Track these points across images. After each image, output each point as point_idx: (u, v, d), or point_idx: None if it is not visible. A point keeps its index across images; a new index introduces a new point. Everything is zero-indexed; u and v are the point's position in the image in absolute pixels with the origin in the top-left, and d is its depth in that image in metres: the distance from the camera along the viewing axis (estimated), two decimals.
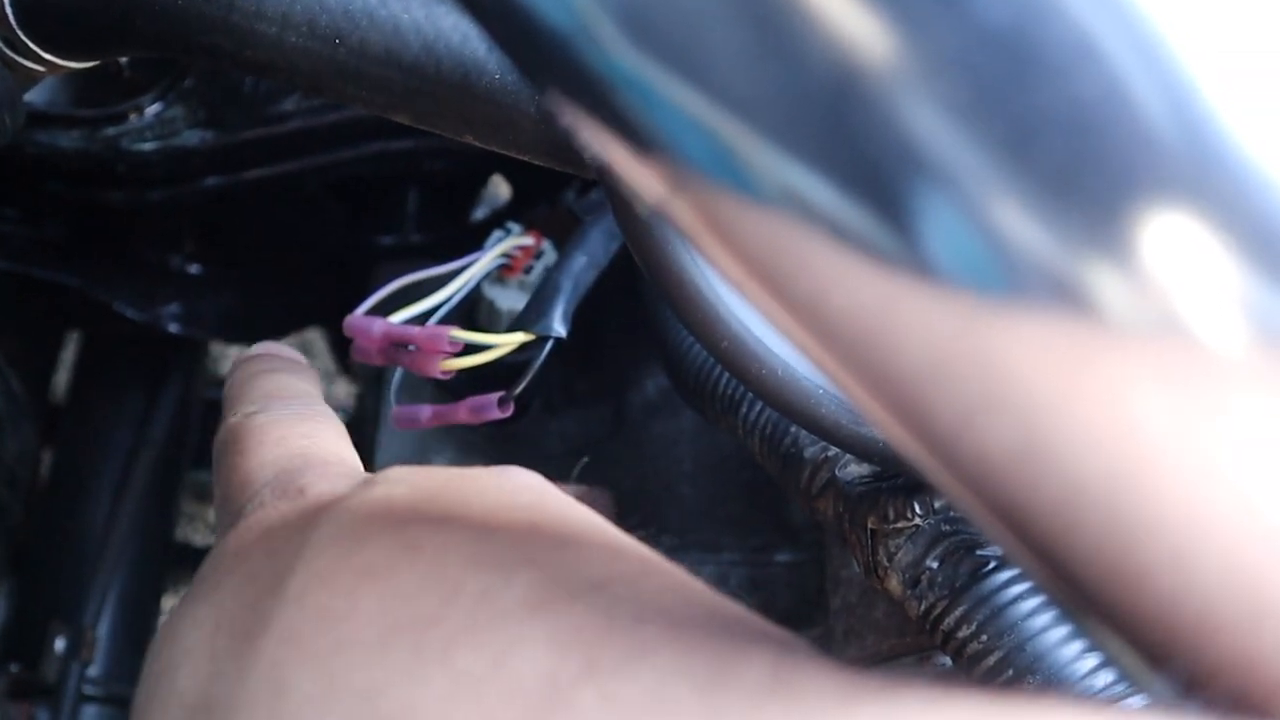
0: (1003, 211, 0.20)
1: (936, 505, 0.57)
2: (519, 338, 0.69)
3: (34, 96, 0.67)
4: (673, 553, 0.85)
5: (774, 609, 0.84)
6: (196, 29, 0.51)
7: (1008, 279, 0.20)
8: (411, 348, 0.67)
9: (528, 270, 0.81)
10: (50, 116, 0.86)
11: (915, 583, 0.57)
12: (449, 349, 0.66)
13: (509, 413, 0.68)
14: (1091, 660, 0.53)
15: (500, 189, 1.15)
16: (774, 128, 0.21)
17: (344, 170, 0.94)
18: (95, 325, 1.09)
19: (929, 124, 0.20)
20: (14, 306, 0.97)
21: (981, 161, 0.20)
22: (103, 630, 0.98)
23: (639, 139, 0.23)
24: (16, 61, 0.55)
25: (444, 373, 0.66)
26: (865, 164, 0.20)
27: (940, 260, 0.21)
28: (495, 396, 0.67)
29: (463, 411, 0.68)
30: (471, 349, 0.67)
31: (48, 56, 0.55)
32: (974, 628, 0.55)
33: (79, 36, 0.54)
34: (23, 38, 0.54)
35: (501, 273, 0.81)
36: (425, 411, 0.70)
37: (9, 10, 0.53)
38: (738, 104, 0.21)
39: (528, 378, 0.69)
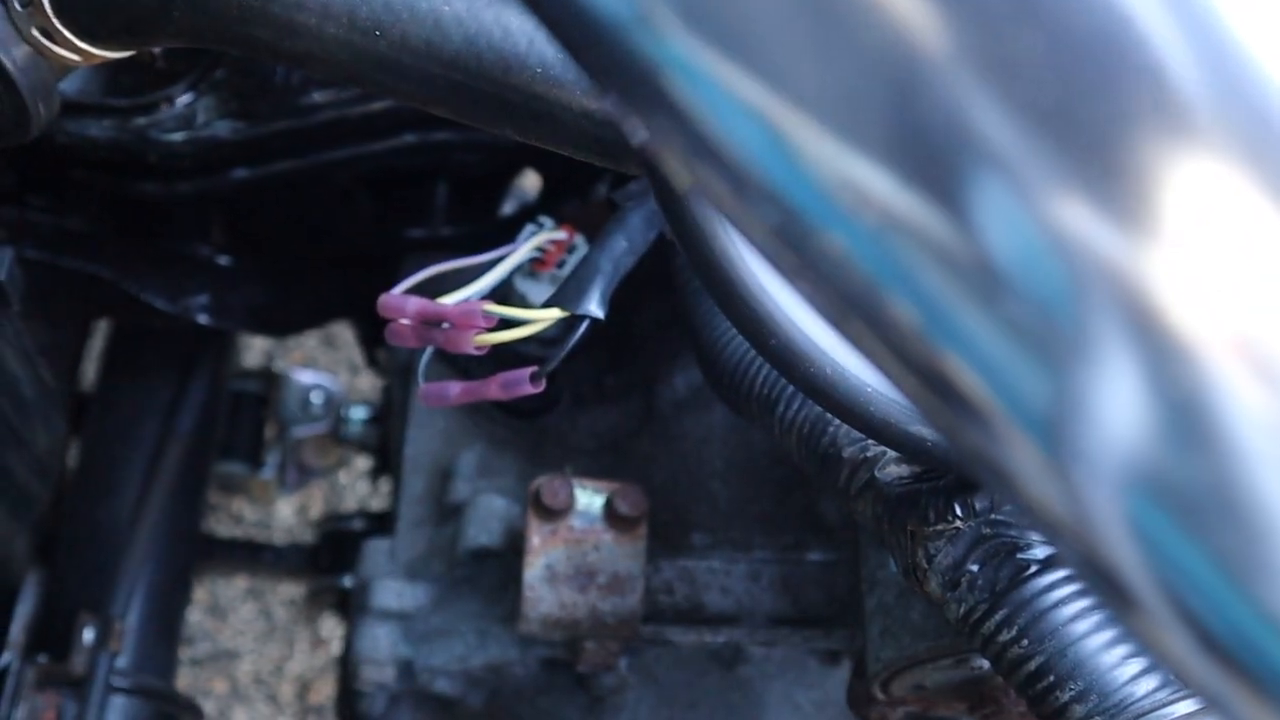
0: (1055, 198, 0.20)
1: (978, 508, 0.56)
2: (554, 314, 0.68)
3: (65, 85, 0.66)
4: (704, 551, 0.85)
5: (805, 607, 0.83)
6: (234, 20, 0.50)
7: (1064, 266, 0.21)
8: (445, 325, 0.66)
9: (560, 265, 0.80)
10: (81, 105, 0.86)
11: (955, 585, 0.56)
12: (483, 323, 0.65)
13: (540, 387, 0.67)
14: (1134, 667, 0.52)
15: (528, 183, 1.14)
16: (834, 116, 0.21)
17: (374, 162, 0.94)
18: (124, 315, 1.09)
19: (984, 111, 0.20)
20: (43, 296, 0.97)
21: (1032, 146, 0.20)
22: (131, 621, 0.98)
23: (693, 130, 0.22)
24: (52, 50, 0.55)
25: (478, 348, 0.65)
26: (924, 152, 0.20)
27: (997, 249, 0.21)
28: (527, 371, 0.66)
29: (494, 387, 0.67)
30: (506, 326, 0.66)
31: (83, 46, 0.55)
32: (1014, 632, 0.54)
33: (115, 26, 0.54)
34: (59, 27, 0.53)
35: (534, 266, 0.81)
36: (454, 388, 0.69)
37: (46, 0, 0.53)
38: (796, 91, 0.21)
39: (562, 354, 0.67)
